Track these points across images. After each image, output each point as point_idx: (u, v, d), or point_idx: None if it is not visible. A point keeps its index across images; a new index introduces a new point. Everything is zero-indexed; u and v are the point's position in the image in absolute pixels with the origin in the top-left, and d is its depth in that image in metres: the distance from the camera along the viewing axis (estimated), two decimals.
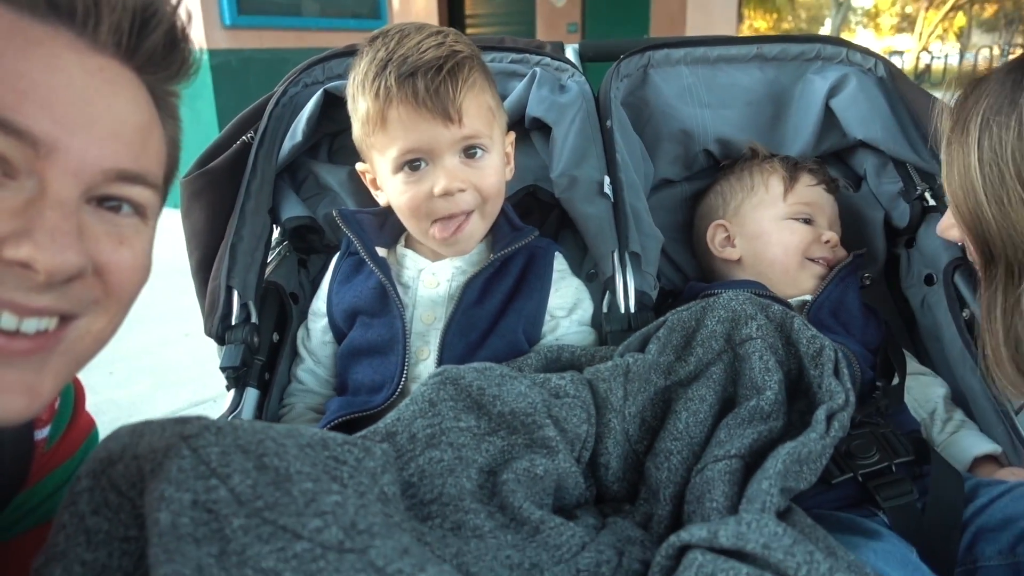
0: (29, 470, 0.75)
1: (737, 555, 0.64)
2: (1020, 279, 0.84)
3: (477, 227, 1.10)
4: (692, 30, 10.47)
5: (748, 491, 0.74)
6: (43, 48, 0.57)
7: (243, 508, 0.56)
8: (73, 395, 0.82)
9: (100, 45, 0.60)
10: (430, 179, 1.04)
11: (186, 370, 3.05)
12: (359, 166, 1.16)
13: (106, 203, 0.62)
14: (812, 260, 1.24)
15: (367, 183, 1.17)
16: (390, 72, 1.00)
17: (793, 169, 1.29)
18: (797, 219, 1.26)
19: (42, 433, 0.76)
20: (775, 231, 1.26)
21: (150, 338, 3.38)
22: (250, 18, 5.55)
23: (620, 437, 0.89)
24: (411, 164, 1.04)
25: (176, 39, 0.66)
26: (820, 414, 0.83)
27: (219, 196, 1.18)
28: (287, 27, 5.84)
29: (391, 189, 1.08)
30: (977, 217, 0.86)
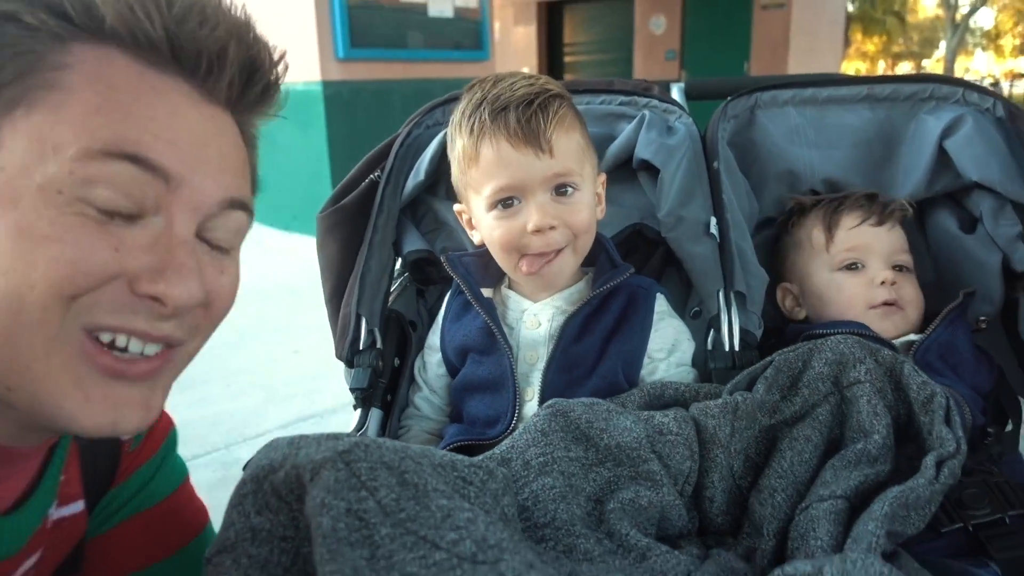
0: (118, 469, 0.85)
1: None
2: None
3: (567, 262, 1.12)
4: (796, 55, 10.18)
5: (854, 531, 0.76)
6: (167, 97, 0.64)
7: (388, 519, 0.63)
8: None
9: (213, 97, 0.68)
10: (523, 216, 1.07)
11: (295, 385, 3.21)
12: (456, 207, 1.21)
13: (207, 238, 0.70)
14: (874, 308, 1.22)
15: (463, 223, 1.21)
16: (484, 108, 1.06)
17: (832, 215, 1.28)
18: (844, 270, 1.25)
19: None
20: (826, 289, 1.26)
21: (263, 354, 3.59)
22: (361, 51, 5.85)
23: (725, 472, 0.92)
24: (504, 202, 1.08)
25: (271, 89, 0.73)
26: (929, 460, 0.83)
27: (350, 230, 1.29)
28: (394, 59, 6.12)
29: (485, 226, 1.12)
30: None
